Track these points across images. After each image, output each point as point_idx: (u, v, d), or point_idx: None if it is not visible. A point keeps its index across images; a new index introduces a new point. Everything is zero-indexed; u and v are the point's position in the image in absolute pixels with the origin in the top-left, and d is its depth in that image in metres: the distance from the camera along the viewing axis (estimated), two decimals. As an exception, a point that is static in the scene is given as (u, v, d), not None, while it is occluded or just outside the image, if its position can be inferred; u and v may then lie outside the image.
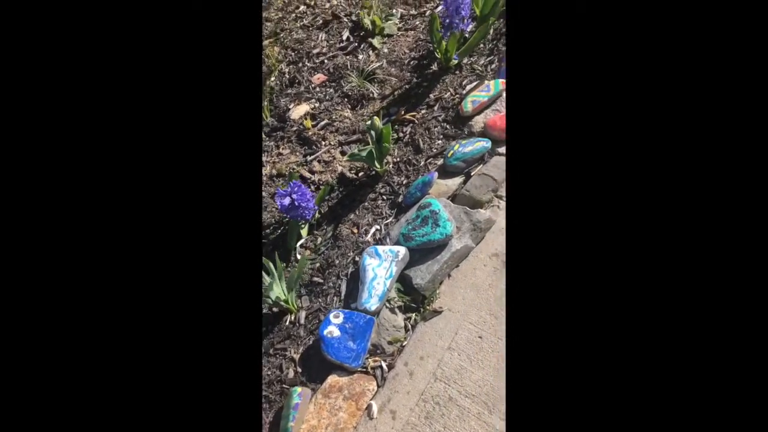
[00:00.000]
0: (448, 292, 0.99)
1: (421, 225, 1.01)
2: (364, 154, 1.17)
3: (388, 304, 0.98)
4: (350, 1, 1.96)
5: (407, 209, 1.14)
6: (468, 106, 1.26)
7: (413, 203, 1.13)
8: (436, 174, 1.15)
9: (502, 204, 1.11)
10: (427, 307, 0.97)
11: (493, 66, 1.43)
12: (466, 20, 1.33)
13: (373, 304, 0.95)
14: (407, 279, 0.99)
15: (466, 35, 1.57)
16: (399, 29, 1.73)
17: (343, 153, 1.38)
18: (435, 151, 1.26)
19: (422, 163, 1.24)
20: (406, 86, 1.48)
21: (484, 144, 1.16)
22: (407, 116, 1.36)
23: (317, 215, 1.22)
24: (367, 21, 1.67)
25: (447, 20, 1.31)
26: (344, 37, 1.75)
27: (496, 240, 1.04)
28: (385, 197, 1.22)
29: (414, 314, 0.98)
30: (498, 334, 0.91)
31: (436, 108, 1.38)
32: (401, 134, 1.35)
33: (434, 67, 1.50)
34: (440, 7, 1.32)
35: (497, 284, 0.98)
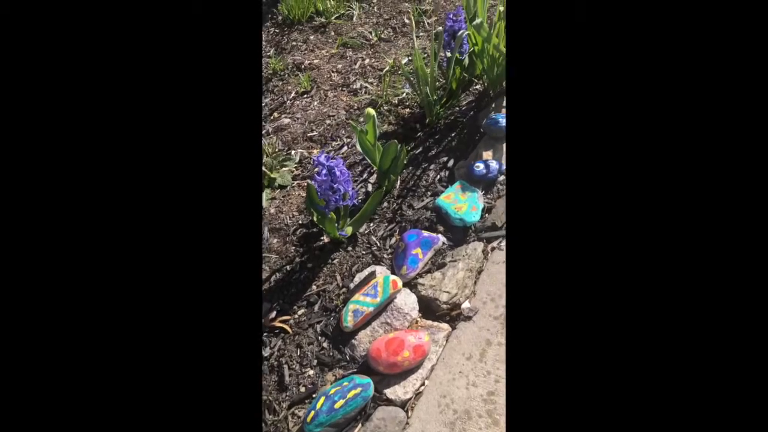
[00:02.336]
0: None
1: None
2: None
3: None
4: (251, 136, 1.70)
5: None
6: (348, 319, 0.92)
7: (256, 502, 0.75)
8: (287, 455, 0.78)
9: (387, 501, 0.74)
10: None
11: (393, 241, 1.12)
12: (349, 195, 1.03)
13: None
14: None
15: (370, 190, 1.28)
16: (294, 178, 1.44)
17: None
18: (303, 390, 0.88)
19: (282, 412, 0.87)
20: (287, 267, 1.15)
21: (363, 393, 0.80)
22: (277, 323, 1.02)
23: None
24: (252, 173, 1.38)
25: (323, 196, 1.01)
26: (231, 189, 1.45)
27: None
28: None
29: None
30: None
31: (317, 307, 1.03)
32: (269, 349, 0.99)
33: (325, 238, 1.19)
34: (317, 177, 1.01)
35: None
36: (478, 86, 1.58)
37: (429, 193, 1.20)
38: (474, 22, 1.26)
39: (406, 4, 2.33)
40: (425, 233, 1.03)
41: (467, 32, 1.28)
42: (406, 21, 2.22)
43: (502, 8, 1.24)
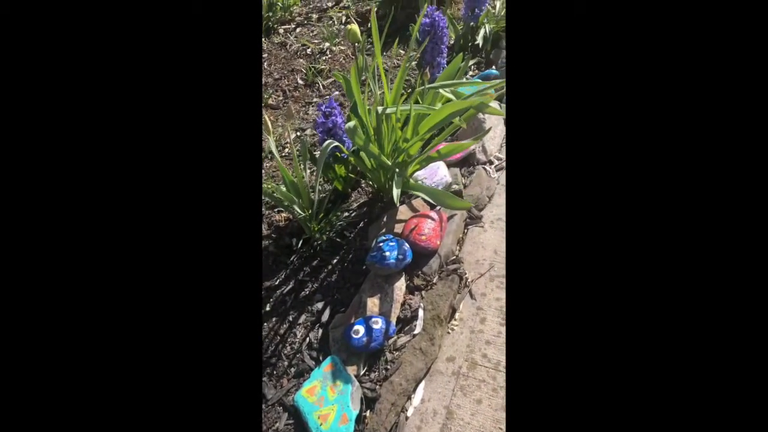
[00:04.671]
0: None
1: None
2: None
3: None
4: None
5: None
6: None
7: None
8: None
9: None
10: None
11: None
12: None
13: None
14: None
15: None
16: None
17: None
18: None
19: None
20: None
21: None
22: None
23: None
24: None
25: None
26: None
27: None
28: None
29: None
30: None
31: None
32: None
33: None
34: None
35: None
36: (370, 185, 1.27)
37: (293, 369, 0.85)
38: (348, 124, 0.95)
39: (301, 61, 2.00)
40: (268, 476, 0.68)
41: (337, 142, 0.96)
42: (300, 81, 1.89)
43: (380, 108, 0.94)
